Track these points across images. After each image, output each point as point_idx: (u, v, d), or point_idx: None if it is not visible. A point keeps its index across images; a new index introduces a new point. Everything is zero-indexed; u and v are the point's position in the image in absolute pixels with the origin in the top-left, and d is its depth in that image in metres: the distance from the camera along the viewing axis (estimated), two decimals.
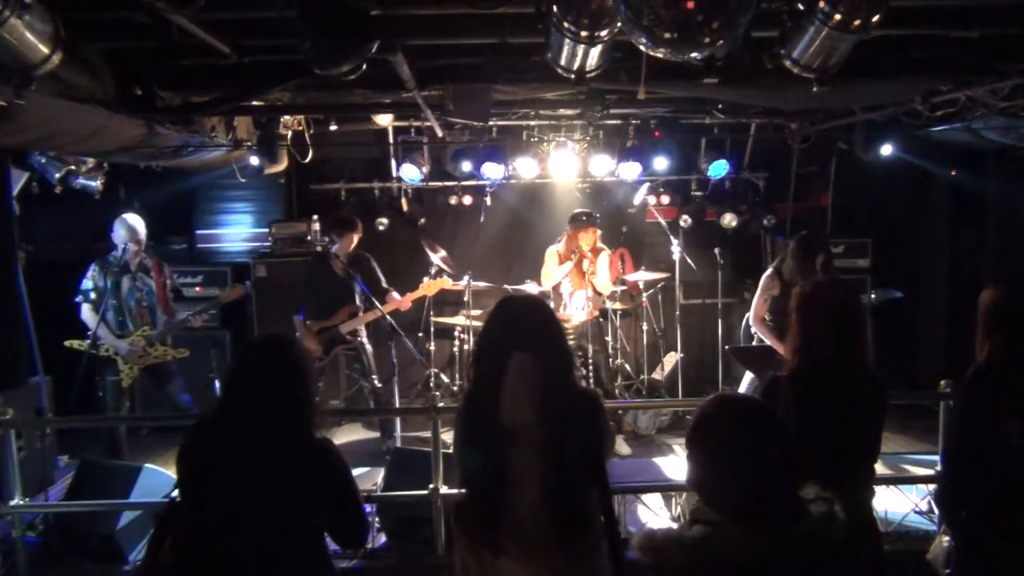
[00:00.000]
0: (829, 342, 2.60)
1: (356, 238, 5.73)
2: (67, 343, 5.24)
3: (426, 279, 6.15)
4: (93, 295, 5.27)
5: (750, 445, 1.70)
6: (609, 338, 6.66)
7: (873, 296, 6.90)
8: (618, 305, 7.00)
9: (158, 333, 5.37)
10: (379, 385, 5.87)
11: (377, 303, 5.55)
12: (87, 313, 5.27)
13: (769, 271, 5.07)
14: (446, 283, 6.20)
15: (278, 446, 2.23)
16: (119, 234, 5.30)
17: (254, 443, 2.22)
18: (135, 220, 5.37)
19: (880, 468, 5.02)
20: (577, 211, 6.18)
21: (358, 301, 5.77)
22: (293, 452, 2.25)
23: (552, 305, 6.18)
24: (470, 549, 2.34)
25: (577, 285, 6.08)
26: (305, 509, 2.26)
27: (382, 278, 5.85)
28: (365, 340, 5.89)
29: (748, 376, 5.50)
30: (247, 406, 2.27)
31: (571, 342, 6.04)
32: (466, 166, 6.58)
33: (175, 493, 2.32)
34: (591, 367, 6.03)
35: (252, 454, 2.21)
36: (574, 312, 6.07)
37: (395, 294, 5.76)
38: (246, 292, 5.95)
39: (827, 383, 2.55)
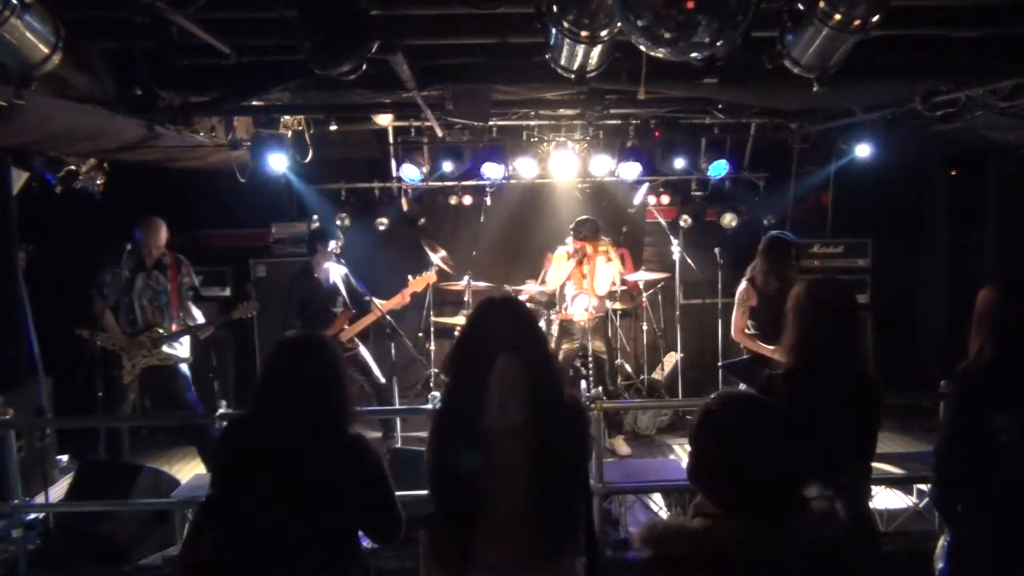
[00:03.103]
0: (824, 341, 2.61)
1: (323, 263, 5.77)
2: (78, 331, 5.22)
3: (409, 277, 6.12)
4: (106, 290, 5.25)
5: (752, 441, 1.70)
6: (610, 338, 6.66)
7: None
8: (618, 305, 7.00)
9: (167, 337, 5.36)
10: (383, 381, 5.88)
11: (377, 304, 5.57)
12: (98, 306, 5.25)
13: (743, 284, 5.03)
14: (431, 278, 6.21)
15: (313, 442, 2.25)
16: (137, 235, 5.33)
17: (289, 440, 2.24)
18: (154, 222, 5.38)
19: (881, 468, 5.05)
20: (579, 219, 6.02)
21: (350, 307, 5.81)
22: (328, 448, 2.27)
23: (556, 305, 6.21)
24: (439, 559, 2.30)
25: (579, 287, 6.05)
26: (340, 504, 2.28)
27: (357, 288, 5.90)
28: (361, 346, 5.92)
29: None
30: (282, 403, 2.29)
31: (575, 342, 6.03)
32: (447, 166, 6.56)
33: (211, 490, 2.36)
34: (591, 366, 6.01)
35: (287, 450, 2.23)
36: (575, 312, 6.06)
37: (377, 301, 5.78)
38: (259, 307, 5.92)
39: (821, 382, 2.55)
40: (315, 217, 7.18)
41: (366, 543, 3.02)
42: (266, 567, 2.21)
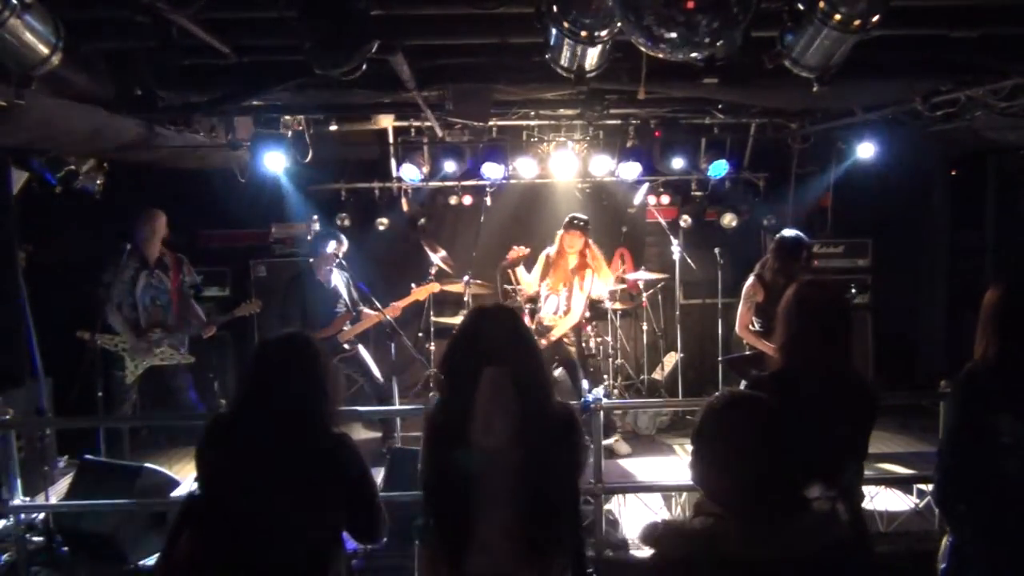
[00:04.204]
0: (812, 343, 2.59)
1: (324, 265, 5.77)
2: (78, 333, 5.22)
3: (413, 285, 6.15)
4: (113, 291, 5.24)
5: (754, 442, 1.70)
6: (610, 338, 6.66)
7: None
8: (618, 305, 7.00)
9: (169, 337, 5.34)
10: (382, 381, 5.88)
11: (378, 306, 5.58)
12: (113, 315, 5.25)
13: (751, 279, 5.03)
14: (434, 288, 6.22)
15: (296, 442, 2.24)
16: (136, 229, 5.31)
17: (272, 439, 2.23)
18: (153, 214, 5.36)
19: (881, 468, 5.05)
20: (572, 215, 6.09)
21: (351, 309, 5.82)
22: (311, 447, 2.26)
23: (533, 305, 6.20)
24: (433, 570, 2.29)
25: (553, 289, 6.03)
26: (322, 504, 2.27)
27: (355, 294, 5.89)
28: (360, 347, 5.93)
29: None
30: (265, 402, 2.28)
31: (550, 345, 6.00)
32: (449, 166, 6.57)
33: (194, 489, 2.35)
34: (566, 370, 6.02)
35: (270, 450, 2.23)
36: (546, 314, 6.05)
37: (367, 310, 5.78)
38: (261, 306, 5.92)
39: (809, 384, 2.53)
40: (315, 217, 7.18)
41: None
42: (247, 566, 2.20)
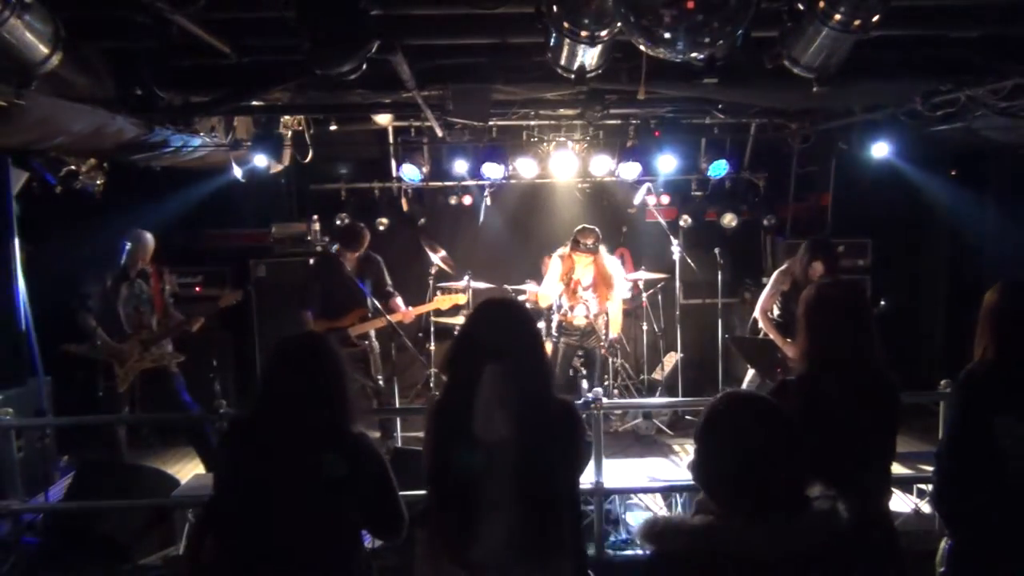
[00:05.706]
0: (837, 344, 2.58)
1: (353, 257, 5.72)
2: (65, 347, 5.23)
3: (439, 294, 6.13)
4: (91, 301, 5.24)
5: (756, 441, 1.70)
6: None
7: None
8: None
9: (154, 337, 5.34)
10: (383, 384, 5.87)
11: (384, 313, 5.57)
12: (84, 318, 5.25)
13: (784, 266, 5.16)
14: (459, 299, 6.19)
15: (315, 441, 2.25)
16: (125, 245, 5.31)
17: (291, 439, 2.24)
18: (144, 236, 5.37)
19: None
20: (580, 227, 5.79)
21: (368, 304, 5.78)
22: (329, 446, 2.26)
23: (555, 309, 6.18)
24: (433, 562, 2.28)
25: (573, 300, 6.01)
26: (343, 503, 2.28)
27: (389, 282, 5.86)
28: (375, 341, 5.89)
29: (749, 375, 5.53)
30: (283, 403, 2.29)
31: (575, 341, 6.03)
32: (460, 165, 6.57)
33: (213, 490, 2.36)
34: (585, 366, 6.01)
35: (289, 450, 2.23)
36: (576, 317, 6.04)
37: (399, 300, 5.75)
38: (244, 295, 5.92)
39: (836, 385, 2.53)
40: (315, 217, 7.18)
41: (367, 541, 3.01)
42: (270, 567, 2.22)
